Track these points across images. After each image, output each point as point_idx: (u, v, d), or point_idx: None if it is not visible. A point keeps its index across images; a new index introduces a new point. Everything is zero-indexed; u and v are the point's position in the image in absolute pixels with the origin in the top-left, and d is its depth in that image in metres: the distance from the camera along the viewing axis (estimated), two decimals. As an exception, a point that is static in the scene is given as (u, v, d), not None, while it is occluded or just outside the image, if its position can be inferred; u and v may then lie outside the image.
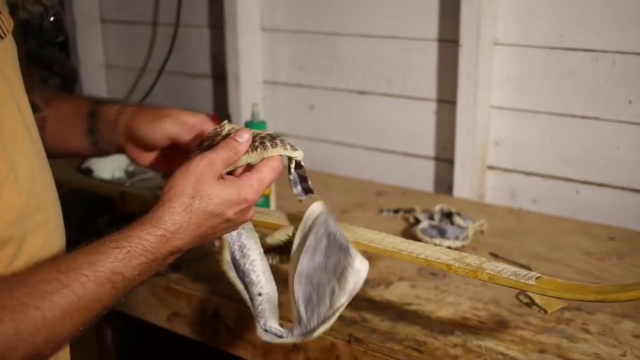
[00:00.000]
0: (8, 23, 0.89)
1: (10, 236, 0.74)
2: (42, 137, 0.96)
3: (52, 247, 0.80)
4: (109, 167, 1.70)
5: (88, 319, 0.72)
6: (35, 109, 0.97)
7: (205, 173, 0.79)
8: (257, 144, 0.85)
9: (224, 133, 0.88)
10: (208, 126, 0.93)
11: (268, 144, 0.85)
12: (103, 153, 1.04)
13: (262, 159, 0.84)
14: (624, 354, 1.00)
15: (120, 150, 1.00)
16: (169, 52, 2.07)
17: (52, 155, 0.99)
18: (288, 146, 0.85)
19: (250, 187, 0.81)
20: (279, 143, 0.85)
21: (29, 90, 0.99)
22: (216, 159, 0.81)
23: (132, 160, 1.00)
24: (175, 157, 0.95)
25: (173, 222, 0.76)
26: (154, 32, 2.21)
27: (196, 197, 0.78)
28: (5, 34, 0.82)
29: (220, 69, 2.06)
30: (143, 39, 2.23)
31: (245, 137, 0.85)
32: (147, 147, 0.97)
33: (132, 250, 0.73)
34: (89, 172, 1.69)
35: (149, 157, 0.99)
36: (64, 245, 0.85)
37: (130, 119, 0.96)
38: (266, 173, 0.83)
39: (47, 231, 0.79)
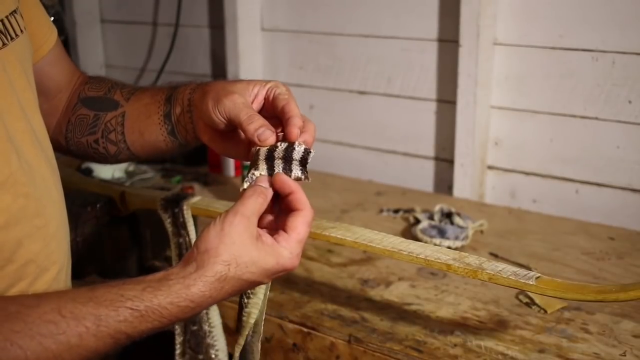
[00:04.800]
0: (46, 24, 0.90)
1: (4, 240, 0.73)
2: (122, 134, 0.96)
3: (51, 251, 0.80)
4: (109, 167, 1.70)
5: None
6: (114, 105, 0.97)
7: (242, 233, 0.72)
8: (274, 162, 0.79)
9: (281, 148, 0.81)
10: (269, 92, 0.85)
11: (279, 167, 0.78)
12: (181, 145, 0.94)
13: (294, 213, 0.76)
14: (623, 354, 1.00)
15: (196, 137, 0.90)
16: (169, 52, 2.07)
17: (132, 154, 0.97)
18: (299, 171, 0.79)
19: (290, 254, 0.74)
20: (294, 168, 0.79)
21: (108, 89, 0.98)
22: (248, 213, 0.73)
23: (209, 146, 0.89)
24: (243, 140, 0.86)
25: (202, 294, 0.70)
26: (154, 32, 2.21)
27: (232, 264, 0.71)
28: (16, 35, 0.80)
29: (220, 69, 2.06)
30: (143, 39, 2.23)
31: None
32: (214, 129, 0.86)
33: (146, 315, 0.68)
34: (89, 172, 1.69)
35: (219, 141, 0.87)
36: (67, 249, 0.85)
37: (200, 96, 0.87)
38: (302, 231, 0.75)
39: (47, 235, 0.79)
